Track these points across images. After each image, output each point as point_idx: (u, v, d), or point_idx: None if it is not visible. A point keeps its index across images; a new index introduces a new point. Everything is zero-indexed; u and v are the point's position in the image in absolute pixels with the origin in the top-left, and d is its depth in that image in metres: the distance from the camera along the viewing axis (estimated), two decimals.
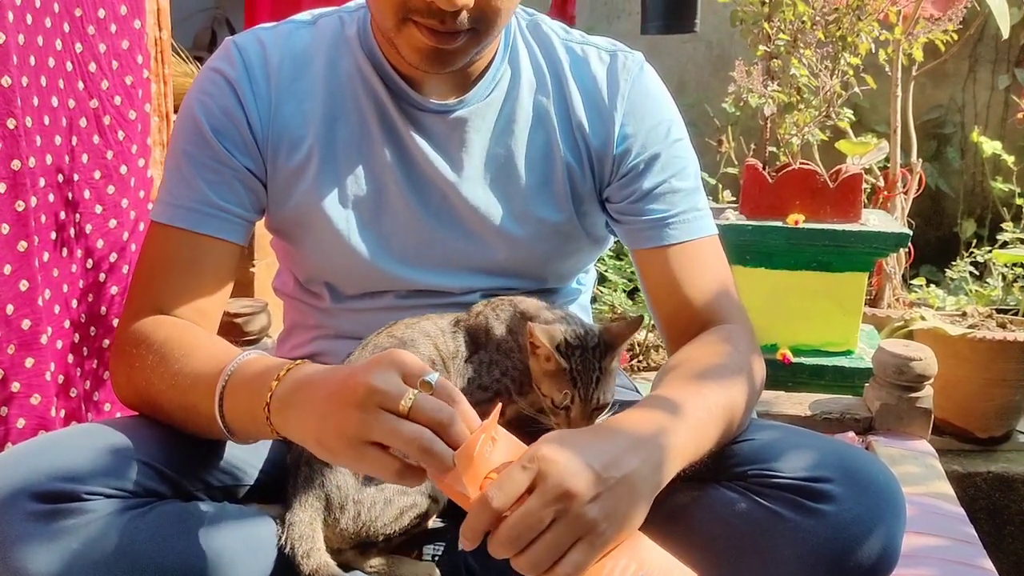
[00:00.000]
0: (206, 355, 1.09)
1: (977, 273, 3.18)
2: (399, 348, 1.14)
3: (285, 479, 1.15)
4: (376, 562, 1.14)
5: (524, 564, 0.88)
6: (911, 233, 2.31)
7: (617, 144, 1.26)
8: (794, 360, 2.37)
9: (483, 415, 0.91)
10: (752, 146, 2.81)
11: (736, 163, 3.14)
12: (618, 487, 0.91)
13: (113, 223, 1.77)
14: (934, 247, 2.29)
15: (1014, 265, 2.90)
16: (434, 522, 1.21)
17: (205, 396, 1.04)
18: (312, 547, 1.07)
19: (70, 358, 1.70)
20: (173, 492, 1.06)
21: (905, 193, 2.95)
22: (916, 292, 3.11)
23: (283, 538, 1.09)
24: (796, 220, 2.35)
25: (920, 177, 2.97)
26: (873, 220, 2.36)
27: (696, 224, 1.27)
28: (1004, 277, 2.93)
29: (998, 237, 3.09)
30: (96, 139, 1.72)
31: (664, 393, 1.06)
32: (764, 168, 2.52)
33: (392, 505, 1.11)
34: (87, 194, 1.71)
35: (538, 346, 1.10)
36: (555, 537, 0.88)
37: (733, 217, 2.44)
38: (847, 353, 2.42)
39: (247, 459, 1.18)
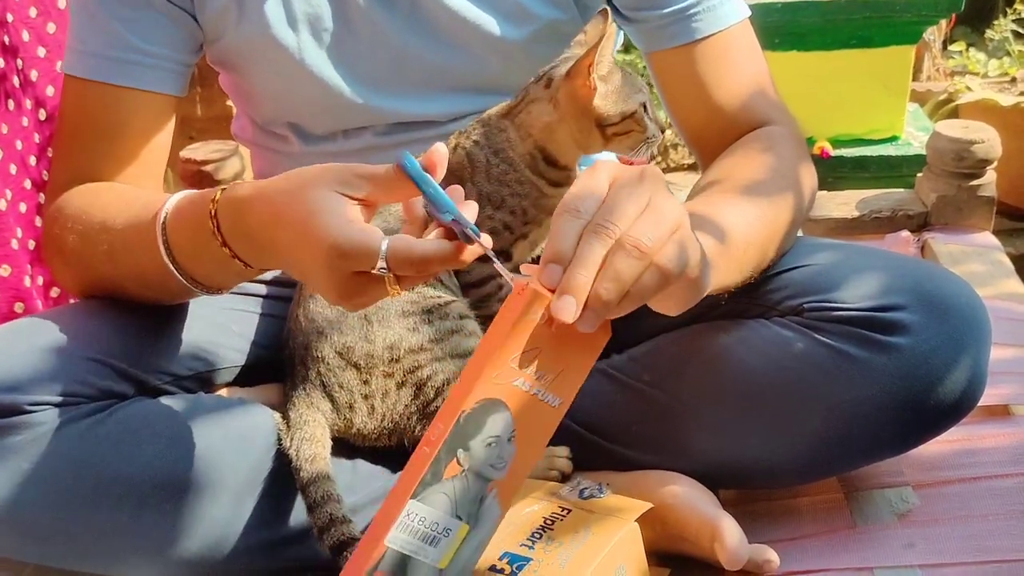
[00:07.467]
0: (135, 208, 0.93)
1: (1021, 31, 2.93)
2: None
3: (269, 359, 1.02)
4: None
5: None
6: None
7: None
8: (834, 153, 2.19)
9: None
10: None
11: None
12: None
13: (60, 65, 1.58)
14: (968, 4, 2.12)
15: None
16: None
17: (148, 250, 0.89)
18: (317, 453, 0.94)
19: (38, 221, 1.54)
20: (136, 390, 0.93)
21: None
22: (954, 59, 2.89)
23: (287, 437, 0.95)
24: None
25: None
26: None
27: (725, 9, 1.05)
28: None
29: None
30: None
31: (697, 210, 0.88)
32: None
33: (406, 386, 0.97)
34: (25, 36, 1.51)
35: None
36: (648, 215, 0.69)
37: None
38: (893, 139, 2.24)
39: (219, 339, 1.04)
